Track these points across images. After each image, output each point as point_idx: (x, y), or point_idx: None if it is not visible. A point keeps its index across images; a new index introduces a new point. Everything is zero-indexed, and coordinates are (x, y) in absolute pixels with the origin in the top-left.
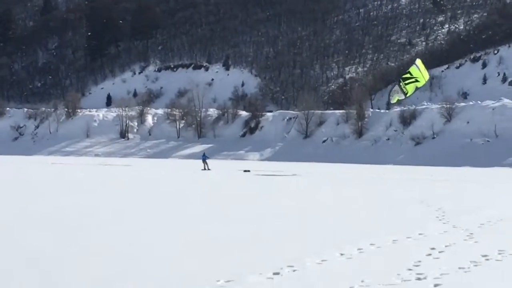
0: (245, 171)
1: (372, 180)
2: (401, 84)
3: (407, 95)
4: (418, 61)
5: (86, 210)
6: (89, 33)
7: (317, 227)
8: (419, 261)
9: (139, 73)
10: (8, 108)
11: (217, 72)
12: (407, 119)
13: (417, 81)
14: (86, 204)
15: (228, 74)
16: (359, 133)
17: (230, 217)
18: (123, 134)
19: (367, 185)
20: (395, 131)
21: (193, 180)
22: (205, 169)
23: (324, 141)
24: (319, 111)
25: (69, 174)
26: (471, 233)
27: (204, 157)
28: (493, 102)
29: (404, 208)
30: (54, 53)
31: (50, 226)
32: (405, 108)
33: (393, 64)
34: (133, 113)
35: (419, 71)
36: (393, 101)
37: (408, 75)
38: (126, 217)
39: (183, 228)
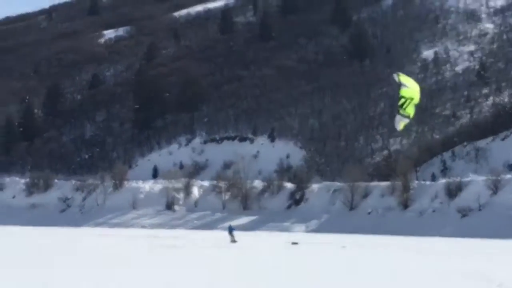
0: (293, 243)
1: (423, 252)
2: (400, 112)
3: (411, 117)
4: (402, 77)
5: None
6: (136, 106)
7: None
8: None
9: (185, 145)
10: (56, 180)
11: (262, 144)
12: (453, 191)
13: (411, 99)
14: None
15: (273, 146)
16: (405, 205)
17: None
18: (169, 206)
19: (420, 257)
20: (441, 203)
21: (248, 254)
22: (232, 241)
23: (369, 213)
24: (364, 183)
25: (127, 248)
26: None
27: (230, 229)
28: None
29: (465, 283)
30: (102, 126)
31: None
32: (450, 180)
33: (437, 136)
34: (179, 185)
35: (409, 89)
36: (401, 128)
37: (402, 100)
38: None
39: None
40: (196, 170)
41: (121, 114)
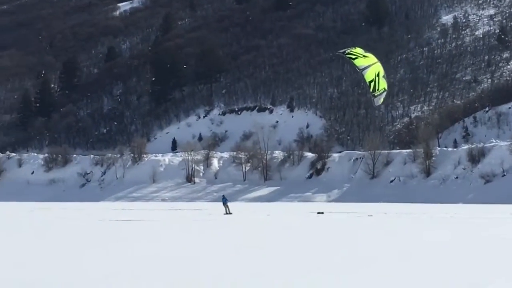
0: (319, 213)
1: (453, 219)
2: (375, 94)
3: (386, 89)
4: (357, 60)
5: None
6: (153, 79)
7: (427, 274)
8: None
9: (204, 117)
10: (74, 155)
11: (281, 114)
12: (475, 157)
13: (378, 75)
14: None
15: (292, 116)
16: (427, 172)
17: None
18: (189, 178)
19: (452, 225)
20: (464, 169)
21: (276, 224)
22: (227, 213)
23: (391, 181)
24: (386, 151)
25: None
26: None
27: (224, 200)
28: None
29: (508, 249)
30: (119, 99)
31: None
32: (473, 146)
33: (458, 102)
34: (198, 157)
35: (369, 68)
36: (380, 102)
37: (372, 84)
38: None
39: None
40: (215, 142)
41: (138, 87)
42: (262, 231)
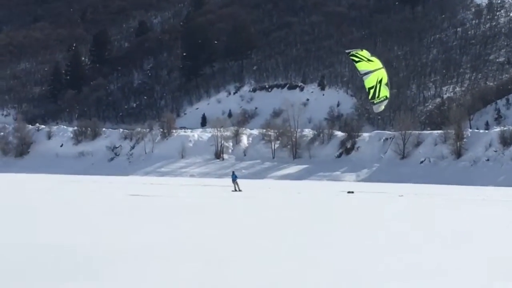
0: (349, 192)
1: (484, 202)
2: (375, 102)
3: (388, 97)
4: (359, 65)
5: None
6: (184, 54)
7: (468, 260)
8: None
9: (234, 93)
10: (104, 129)
11: (312, 92)
12: (507, 140)
13: (380, 82)
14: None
15: (323, 94)
16: (458, 154)
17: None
18: (218, 155)
19: (483, 207)
20: (495, 151)
21: (309, 203)
22: (235, 190)
23: (421, 162)
24: (416, 132)
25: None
26: None
27: (234, 177)
28: None
29: None
30: (149, 74)
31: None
32: (505, 128)
33: (491, 84)
34: (228, 133)
35: (371, 74)
36: (381, 109)
37: (372, 91)
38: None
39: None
40: (245, 119)
41: (169, 62)
42: (296, 208)
